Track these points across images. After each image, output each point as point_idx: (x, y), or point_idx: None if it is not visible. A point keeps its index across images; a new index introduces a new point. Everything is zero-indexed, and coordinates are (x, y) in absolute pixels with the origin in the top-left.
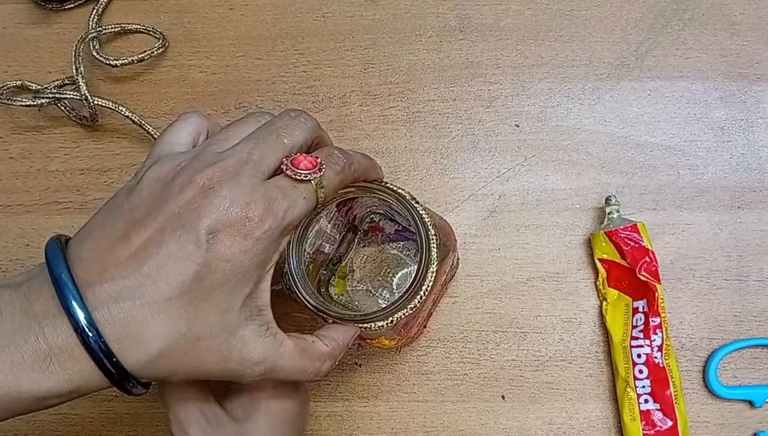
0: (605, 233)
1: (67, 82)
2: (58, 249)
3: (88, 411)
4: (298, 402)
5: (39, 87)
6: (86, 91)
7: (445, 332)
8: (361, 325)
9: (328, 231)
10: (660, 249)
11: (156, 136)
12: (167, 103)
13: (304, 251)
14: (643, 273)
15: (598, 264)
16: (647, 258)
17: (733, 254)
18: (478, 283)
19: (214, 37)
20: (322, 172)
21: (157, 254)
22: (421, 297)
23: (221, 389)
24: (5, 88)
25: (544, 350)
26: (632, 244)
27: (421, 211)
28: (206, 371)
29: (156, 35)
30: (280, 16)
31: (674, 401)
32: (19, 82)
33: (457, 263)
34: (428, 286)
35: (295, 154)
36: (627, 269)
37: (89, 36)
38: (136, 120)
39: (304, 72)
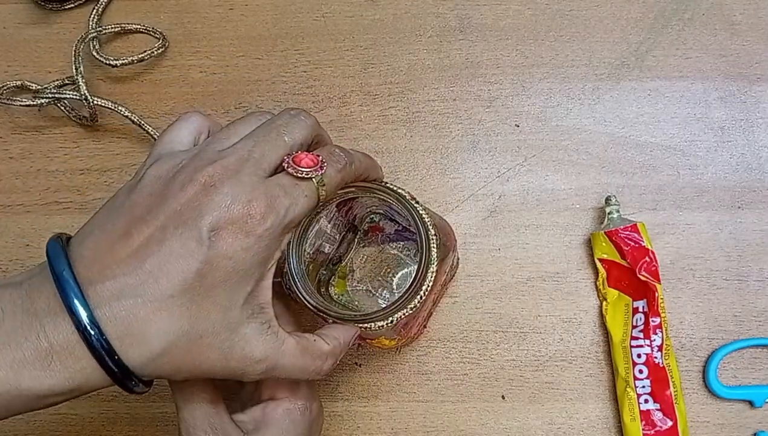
0: (605, 233)
1: (67, 82)
2: (60, 247)
3: (88, 411)
4: (309, 419)
5: (39, 87)
6: (86, 91)
7: (445, 332)
8: (361, 325)
9: (328, 231)
10: (660, 249)
11: (156, 136)
12: (167, 103)
13: (304, 251)
14: (643, 273)
15: (598, 264)
16: (647, 258)
17: (733, 254)
18: (478, 283)
19: (214, 37)
20: (323, 170)
21: (158, 251)
22: (421, 297)
23: (234, 402)
24: (5, 88)
25: (544, 350)
26: (632, 244)
27: (421, 212)
28: (208, 369)
29: (156, 35)
30: (280, 16)
31: (674, 401)
32: (19, 82)
33: (457, 263)
34: (428, 286)
35: (296, 152)
36: (627, 269)
37: (89, 36)
38: (135, 120)
39: (304, 72)
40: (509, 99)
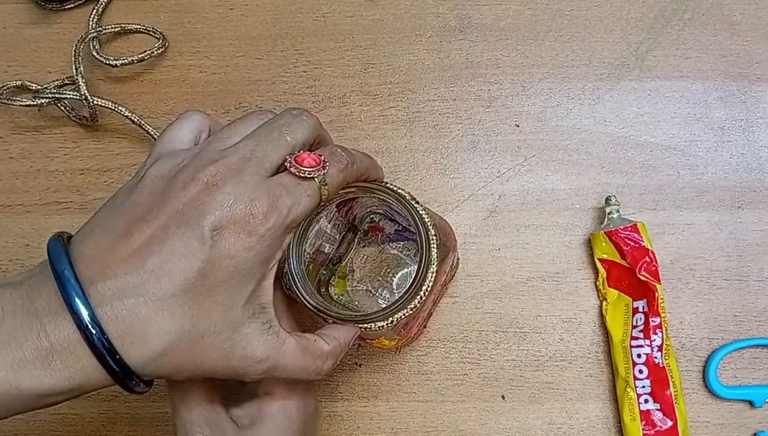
0: (605, 233)
1: (67, 82)
2: (61, 246)
3: (88, 411)
4: (304, 415)
5: (39, 87)
6: (86, 91)
7: (445, 332)
8: (361, 325)
9: (328, 231)
10: (660, 249)
11: (156, 136)
12: (167, 103)
13: (304, 251)
14: (643, 273)
15: (598, 264)
16: (647, 258)
17: (733, 254)
18: (478, 283)
19: (214, 37)
20: (325, 170)
21: (160, 250)
22: (421, 297)
23: (231, 397)
24: (5, 88)
25: (544, 350)
26: (632, 244)
27: (421, 212)
28: (210, 369)
29: (156, 35)
30: (280, 16)
31: (674, 401)
32: (19, 82)
33: (457, 263)
34: (428, 286)
35: (298, 151)
36: (627, 269)
37: (89, 36)
38: (135, 120)
39: (304, 72)
40: (509, 99)
